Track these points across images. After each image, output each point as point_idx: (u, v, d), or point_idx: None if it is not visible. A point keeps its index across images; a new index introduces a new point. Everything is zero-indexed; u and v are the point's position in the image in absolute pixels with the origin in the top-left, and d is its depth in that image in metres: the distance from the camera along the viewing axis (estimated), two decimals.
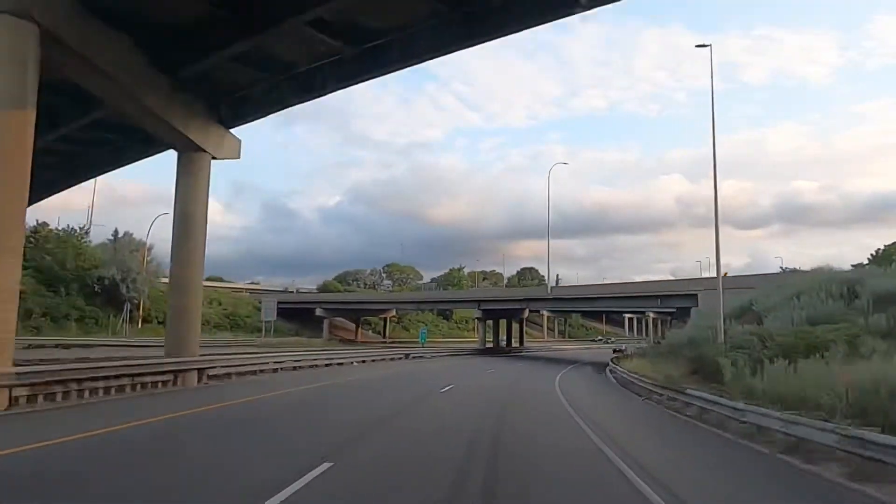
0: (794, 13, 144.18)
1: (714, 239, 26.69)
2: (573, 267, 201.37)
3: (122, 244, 61.94)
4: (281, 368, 23.20)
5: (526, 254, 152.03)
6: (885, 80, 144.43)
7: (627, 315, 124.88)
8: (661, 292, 42.96)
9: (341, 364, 28.36)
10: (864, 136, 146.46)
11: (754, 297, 31.22)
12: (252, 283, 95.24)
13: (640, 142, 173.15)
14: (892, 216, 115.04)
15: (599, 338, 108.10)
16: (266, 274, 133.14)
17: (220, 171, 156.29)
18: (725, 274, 42.24)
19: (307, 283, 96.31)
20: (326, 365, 26.90)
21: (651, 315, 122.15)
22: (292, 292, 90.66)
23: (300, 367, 24.70)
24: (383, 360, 35.59)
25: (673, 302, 42.24)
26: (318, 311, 76.76)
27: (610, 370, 37.14)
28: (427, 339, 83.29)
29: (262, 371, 21.78)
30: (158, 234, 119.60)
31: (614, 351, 52.41)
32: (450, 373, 27.48)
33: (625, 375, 26.19)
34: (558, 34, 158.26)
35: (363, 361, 32.04)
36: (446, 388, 18.41)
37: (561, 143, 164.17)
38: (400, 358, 38.68)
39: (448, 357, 47.78)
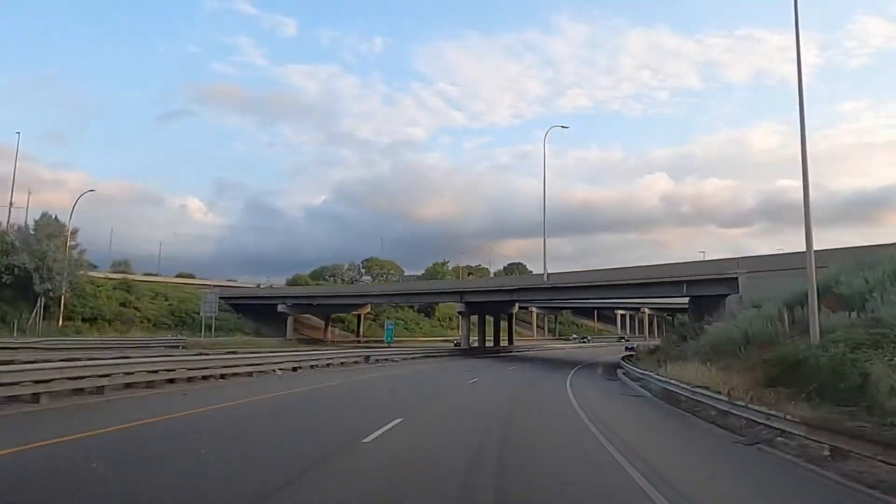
0: (775, 13, 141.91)
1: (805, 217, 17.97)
2: (560, 266, 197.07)
3: (39, 227, 51.98)
4: (132, 384, 14.07)
5: (512, 252, 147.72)
6: (865, 80, 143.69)
7: (620, 312, 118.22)
8: (687, 276, 34.33)
9: (250, 374, 19.13)
10: (845, 135, 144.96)
11: (830, 277, 22.91)
12: (229, 280, 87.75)
13: (625, 141, 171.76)
14: (873, 213, 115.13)
15: (574, 336, 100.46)
16: (251, 273, 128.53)
17: (204, 169, 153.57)
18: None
19: None
20: (222, 376, 17.64)
21: (647, 311, 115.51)
22: (256, 287, 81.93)
23: (175, 378, 15.54)
24: (330, 365, 26.40)
25: (703, 288, 33.64)
26: (281, 308, 68.13)
27: (626, 373, 28.92)
28: (406, 338, 74.77)
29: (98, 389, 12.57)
30: (85, 216, 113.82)
31: (626, 349, 46.67)
32: (410, 388, 18.48)
33: (669, 387, 17.69)
34: (544, 34, 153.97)
35: (296, 369, 22.84)
36: (374, 436, 8.79)
37: (546, 142, 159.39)
38: (356, 362, 29.54)
39: (421, 360, 38.76)
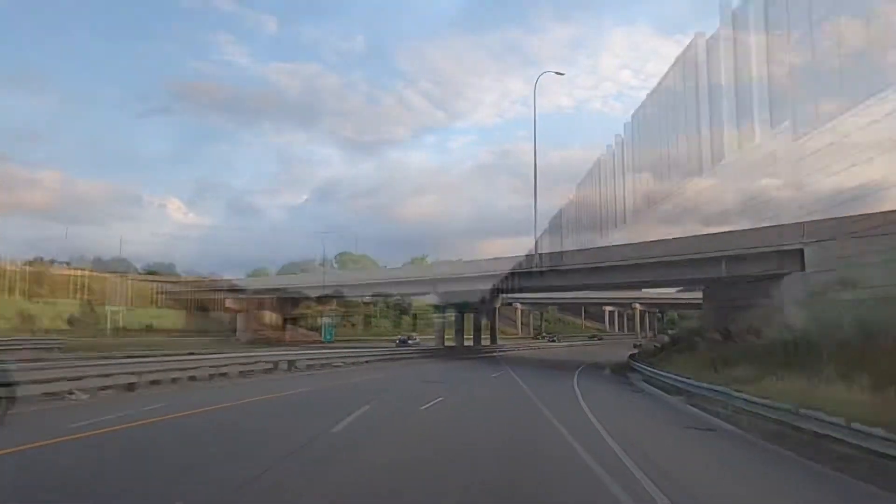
0: (756, 14, 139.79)
1: None
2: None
3: None
4: None
5: (497, 252, 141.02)
6: (843, 80, 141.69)
7: (609, 308, 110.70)
8: (727, 251, 25.83)
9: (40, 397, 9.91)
10: (824, 135, 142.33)
11: None
12: (199, 278, 79.63)
13: (608, 140, 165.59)
14: (851, 212, 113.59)
15: (544, 335, 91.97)
16: (233, 273, 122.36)
17: (187, 169, 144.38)
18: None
19: None
20: None
21: (638, 307, 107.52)
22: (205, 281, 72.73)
23: None
24: (215, 376, 17.19)
25: (750, 265, 25.27)
26: (230, 303, 58.77)
27: (646, 380, 20.51)
28: (380, 336, 65.99)
29: None
30: (67, 216, 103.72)
31: (634, 346, 41.79)
32: (279, 439, 9.38)
33: (814, 427, 9.01)
34: (527, 34, 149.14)
35: (133, 385, 13.71)
36: None
37: (529, 141, 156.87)
38: (269, 370, 20.33)
39: (378, 363, 29.75)
